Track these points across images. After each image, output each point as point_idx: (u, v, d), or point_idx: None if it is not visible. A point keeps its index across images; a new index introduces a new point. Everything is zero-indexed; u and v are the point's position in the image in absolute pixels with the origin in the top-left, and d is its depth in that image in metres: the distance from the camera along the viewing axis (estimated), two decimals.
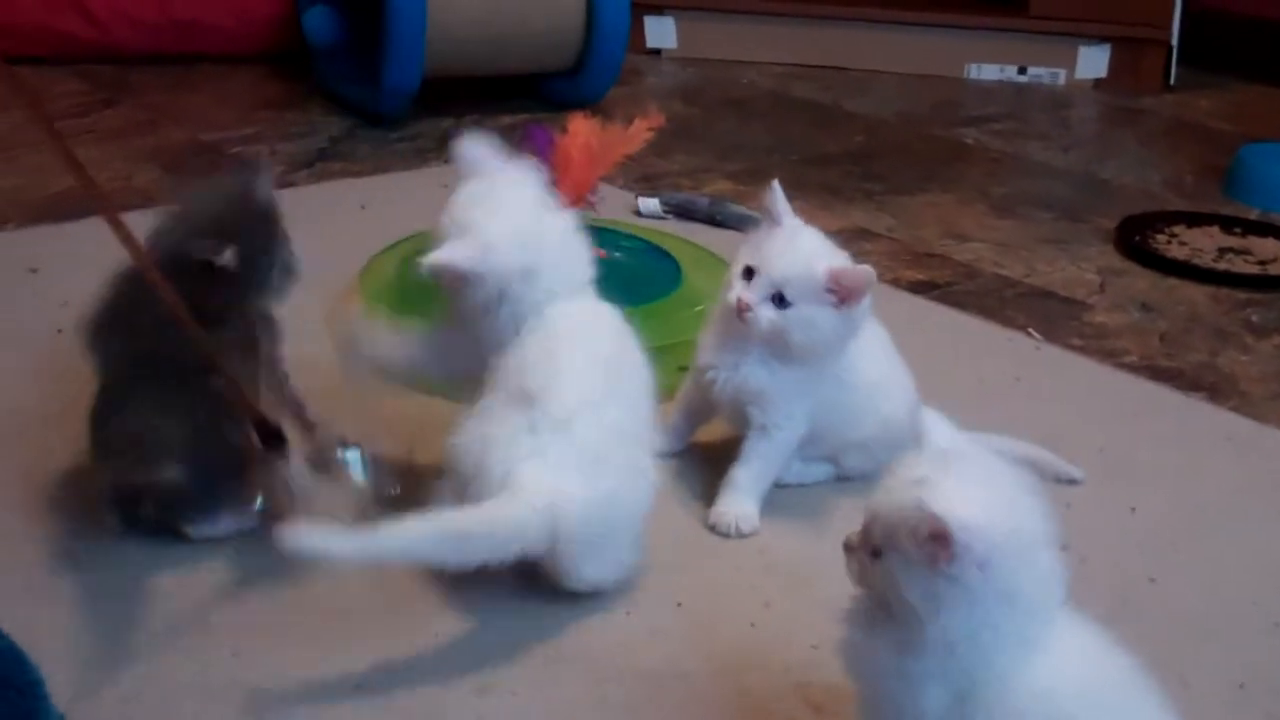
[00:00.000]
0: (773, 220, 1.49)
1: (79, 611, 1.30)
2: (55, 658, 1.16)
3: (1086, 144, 3.23)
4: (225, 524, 1.42)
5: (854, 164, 2.86)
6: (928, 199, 2.67)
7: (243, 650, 1.27)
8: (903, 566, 0.95)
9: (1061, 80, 3.66)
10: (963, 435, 1.57)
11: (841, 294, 1.44)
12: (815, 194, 2.63)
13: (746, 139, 3.01)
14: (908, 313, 2.09)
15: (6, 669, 0.89)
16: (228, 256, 1.36)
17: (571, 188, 1.87)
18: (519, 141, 1.98)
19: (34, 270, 2.06)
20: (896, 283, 2.23)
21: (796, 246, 1.46)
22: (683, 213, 2.42)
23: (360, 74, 2.95)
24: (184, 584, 1.36)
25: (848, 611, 1.04)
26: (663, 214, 2.43)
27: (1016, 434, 1.66)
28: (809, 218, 2.44)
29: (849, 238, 2.41)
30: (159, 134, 2.80)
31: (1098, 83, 3.64)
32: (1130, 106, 3.48)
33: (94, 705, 1.16)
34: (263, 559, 1.34)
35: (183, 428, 1.35)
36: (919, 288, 2.22)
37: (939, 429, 1.05)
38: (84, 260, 2.15)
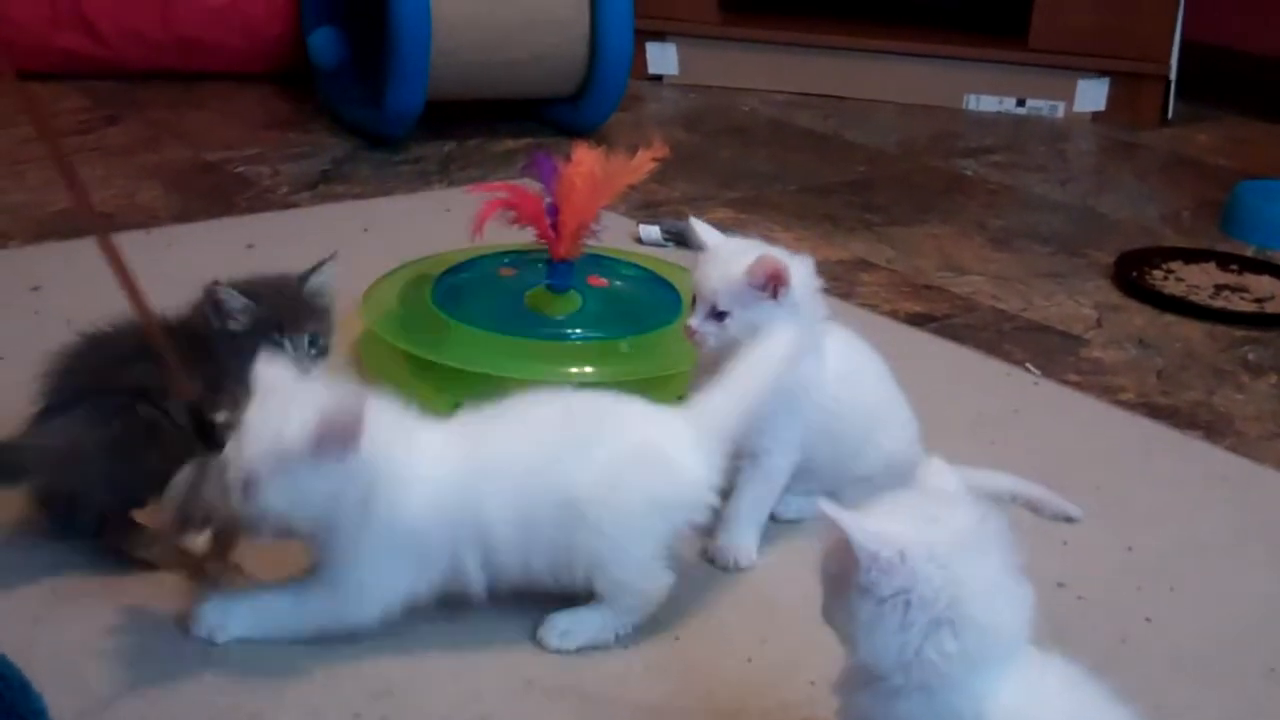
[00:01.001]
0: (699, 247, 1.57)
1: (81, 639, 1.31)
2: (58, 686, 1.16)
3: (1084, 177, 3.25)
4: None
5: (854, 194, 2.88)
6: (927, 230, 2.69)
7: (248, 676, 1.27)
8: (835, 593, 1.00)
9: (1060, 113, 3.68)
10: (960, 472, 1.59)
11: (767, 284, 1.47)
12: (816, 224, 2.64)
13: (748, 167, 3.03)
14: (906, 345, 2.09)
15: (12, 697, 0.89)
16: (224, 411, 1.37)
17: (574, 216, 1.88)
18: (526, 169, 2.00)
19: (36, 288, 2.07)
20: (895, 315, 2.24)
21: (718, 259, 1.51)
22: (683, 241, 2.43)
23: (364, 95, 2.97)
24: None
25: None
26: (663, 242, 2.44)
27: (1014, 470, 1.67)
28: (810, 247, 2.48)
29: (849, 268, 2.42)
30: (163, 151, 2.81)
31: (1096, 116, 3.66)
32: (1128, 140, 3.49)
33: None
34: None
35: (102, 445, 1.38)
36: (917, 320, 2.23)
37: (940, 474, 1.06)
38: (86, 278, 2.15)
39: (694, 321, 1.50)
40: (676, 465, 1.36)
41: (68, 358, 1.46)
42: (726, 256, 1.50)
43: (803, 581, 1.46)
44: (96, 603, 1.36)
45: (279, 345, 1.44)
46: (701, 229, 1.57)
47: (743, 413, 1.39)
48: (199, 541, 1.38)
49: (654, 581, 1.35)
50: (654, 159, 1.89)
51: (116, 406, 1.40)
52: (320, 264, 1.53)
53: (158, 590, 1.38)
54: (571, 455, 1.32)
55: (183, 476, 1.28)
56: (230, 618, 1.31)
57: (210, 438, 1.31)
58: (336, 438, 1.21)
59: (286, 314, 1.45)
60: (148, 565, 1.41)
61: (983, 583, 0.97)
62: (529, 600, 1.35)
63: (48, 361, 1.46)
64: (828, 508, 0.96)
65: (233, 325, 1.44)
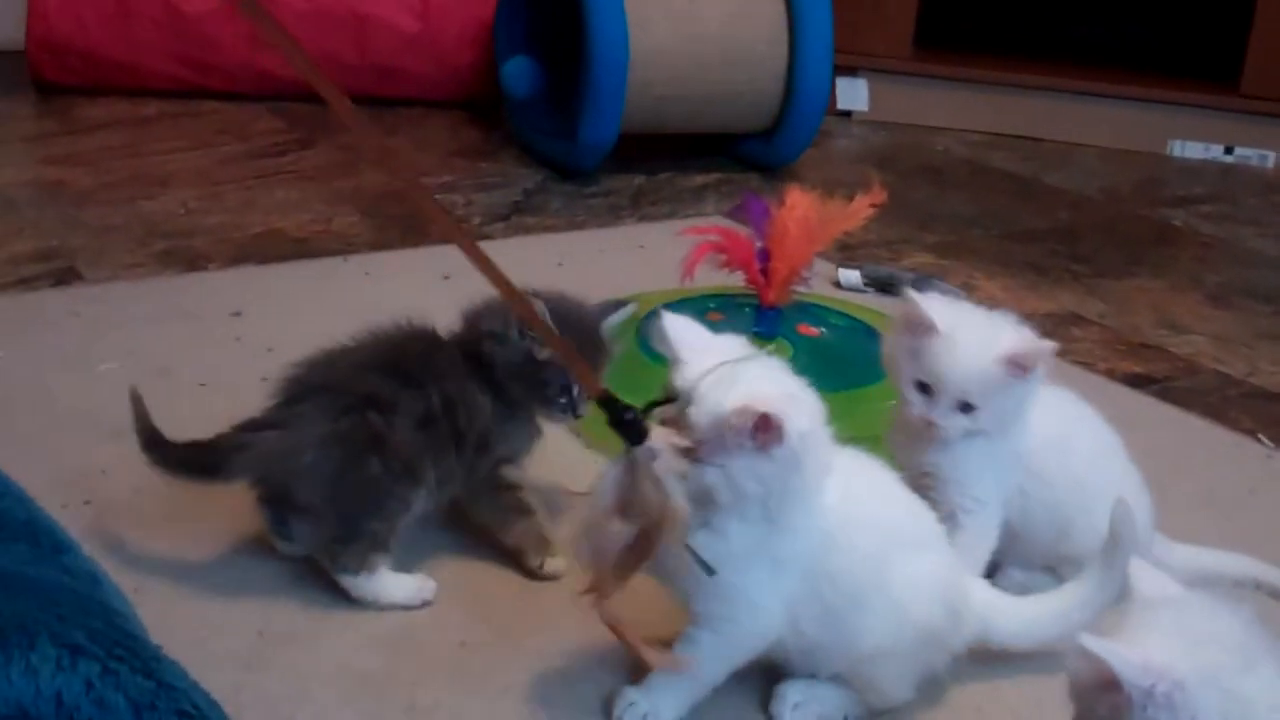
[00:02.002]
0: (927, 328, 1.37)
1: (284, 683, 1.27)
2: None
3: None
4: (384, 585, 1.39)
5: (1059, 242, 2.76)
6: (1138, 284, 2.56)
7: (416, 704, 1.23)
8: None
9: (1270, 163, 3.51)
10: (1198, 553, 1.48)
11: (1023, 371, 1.36)
12: (1020, 272, 2.54)
13: (945, 209, 2.93)
14: (1125, 409, 1.97)
15: None
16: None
17: (786, 262, 1.81)
18: (734, 211, 1.94)
19: (237, 314, 2.06)
20: (1111, 374, 2.13)
21: (960, 344, 1.35)
22: (885, 287, 2.34)
23: (556, 126, 2.94)
24: (396, 674, 1.32)
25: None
26: (863, 287, 2.36)
27: (1254, 553, 1.55)
28: (1015, 297, 2.38)
29: (1058, 322, 2.31)
30: (357, 177, 2.81)
31: None
32: None
33: None
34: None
35: (322, 440, 1.36)
36: (1136, 381, 2.11)
37: (1152, 580, 0.98)
38: (287, 304, 2.18)
39: (936, 415, 1.38)
40: (973, 601, 1.29)
41: (302, 365, 1.44)
42: (972, 342, 1.35)
43: None
44: (301, 651, 1.32)
45: (565, 386, 1.43)
46: (927, 305, 1.37)
47: None
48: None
49: (903, 693, 1.27)
50: (872, 204, 1.82)
51: (344, 407, 1.38)
52: (619, 305, 1.51)
53: (358, 638, 1.34)
54: (902, 555, 1.23)
55: (611, 474, 1.19)
56: (657, 700, 1.23)
57: (630, 431, 1.20)
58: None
59: (585, 350, 1.39)
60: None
61: (1267, 696, 0.88)
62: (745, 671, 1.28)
63: (283, 371, 1.44)
64: (1087, 640, 0.88)
65: (535, 348, 1.42)
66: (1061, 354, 2.14)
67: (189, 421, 1.71)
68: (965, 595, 1.29)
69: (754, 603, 1.19)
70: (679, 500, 1.12)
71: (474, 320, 1.48)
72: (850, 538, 1.20)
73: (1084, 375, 2.11)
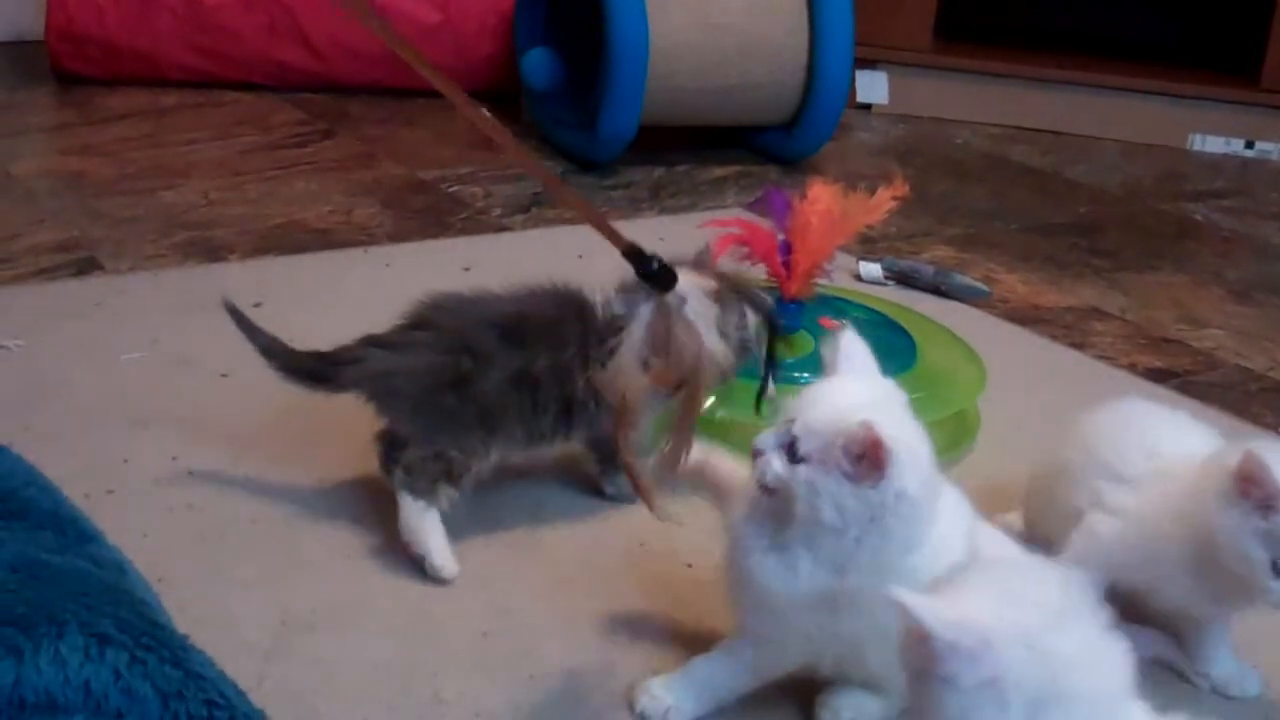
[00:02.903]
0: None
1: (308, 674, 1.27)
2: None
3: None
4: (429, 526, 1.44)
5: (1080, 236, 2.75)
6: (1159, 278, 2.55)
7: (441, 694, 1.23)
8: (919, 688, 0.92)
9: None
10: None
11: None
12: (1041, 266, 2.53)
13: (965, 203, 2.92)
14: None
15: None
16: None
17: (808, 255, 1.80)
18: (755, 204, 1.93)
19: (258, 304, 2.05)
20: (1133, 368, 2.12)
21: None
22: (905, 280, 2.34)
23: (576, 118, 2.94)
24: (418, 664, 1.32)
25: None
26: (884, 280, 2.35)
27: None
28: (1035, 291, 2.38)
29: (1080, 316, 2.31)
30: (377, 168, 2.81)
31: None
32: None
33: None
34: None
35: (414, 371, 1.45)
36: (1158, 375, 2.11)
37: (1000, 544, 1.07)
38: (307, 295, 2.18)
39: None
40: None
41: (437, 298, 1.53)
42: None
43: None
44: (324, 641, 1.32)
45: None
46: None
47: None
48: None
49: None
50: (894, 198, 1.81)
51: (443, 347, 1.46)
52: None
53: (379, 627, 1.35)
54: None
55: (641, 316, 1.21)
56: (680, 696, 1.22)
57: (659, 279, 1.25)
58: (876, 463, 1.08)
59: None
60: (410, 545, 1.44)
61: (1077, 654, 0.90)
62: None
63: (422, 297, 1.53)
64: (900, 594, 0.89)
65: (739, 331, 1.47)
66: (1082, 347, 2.18)
67: (210, 410, 1.73)
68: None
69: (809, 636, 1.17)
70: (714, 343, 1.12)
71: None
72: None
73: (1106, 370, 2.11)
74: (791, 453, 1.11)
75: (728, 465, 1.26)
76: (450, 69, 3.27)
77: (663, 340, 1.18)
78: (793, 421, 1.11)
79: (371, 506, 1.53)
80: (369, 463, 1.54)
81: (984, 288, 2.34)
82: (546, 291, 1.55)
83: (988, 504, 1.50)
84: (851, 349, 1.18)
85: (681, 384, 1.24)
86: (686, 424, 1.22)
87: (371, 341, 1.50)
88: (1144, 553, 1.29)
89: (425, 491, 1.44)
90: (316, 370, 1.50)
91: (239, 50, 3.24)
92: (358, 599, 1.38)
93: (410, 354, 1.47)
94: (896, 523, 1.10)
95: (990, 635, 0.89)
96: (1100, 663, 0.91)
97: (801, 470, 1.10)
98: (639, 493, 1.29)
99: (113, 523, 1.41)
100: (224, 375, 1.82)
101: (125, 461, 1.60)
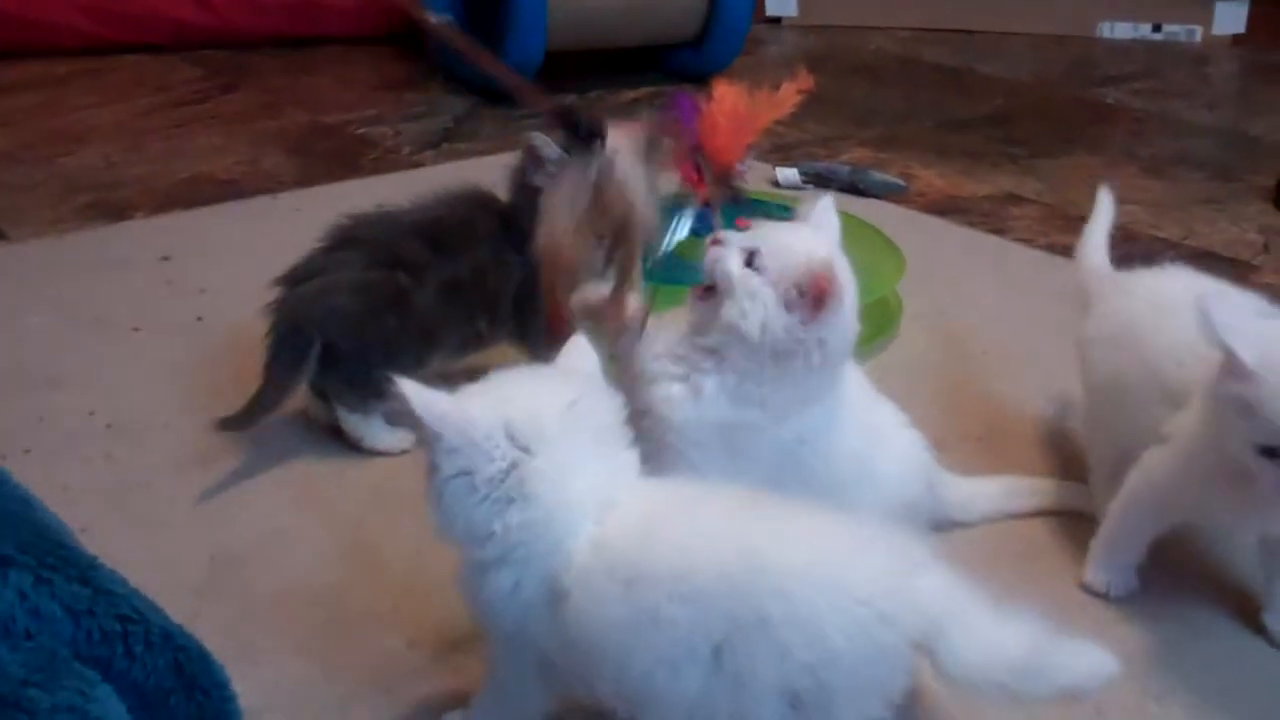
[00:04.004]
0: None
1: (240, 607, 1.25)
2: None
3: (1231, 101, 3.09)
4: (374, 429, 1.47)
5: (994, 128, 2.75)
6: (1073, 161, 2.56)
7: (415, 641, 1.21)
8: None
9: (1198, 37, 3.51)
10: None
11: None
12: (957, 160, 2.53)
13: (880, 105, 2.92)
14: (1067, 281, 1.98)
15: (193, 669, 0.84)
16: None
17: (719, 156, 1.79)
18: (664, 111, 1.91)
19: (166, 258, 2.02)
20: (1052, 248, 2.13)
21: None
22: (823, 182, 2.33)
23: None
24: (352, 586, 1.31)
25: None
26: (802, 184, 2.34)
27: None
28: (953, 183, 2.38)
29: (997, 203, 2.31)
30: (281, 117, 2.76)
31: (1236, 39, 3.48)
32: (1273, 62, 3.32)
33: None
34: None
35: (353, 286, 1.45)
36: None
37: (580, 355, 1.05)
38: (216, 245, 2.14)
39: None
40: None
41: (352, 218, 1.53)
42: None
43: None
44: (254, 573, 1.30)
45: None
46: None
47: None
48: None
49: None
50: (800, 91, 1.79)
51: (377, 261, 1.47)
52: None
53: (310, 555, 1.33)
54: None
55: (569, 175, 1.22)
56: None
57: (588, 138, 1.26)
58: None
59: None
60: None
61: (554, 458, 0.95)
62: None
63: (337, 219, 1.53)
64: (404, 385, 0.93)
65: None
66: (1001, 232, 2.18)
67: (124, 365, 1.70)
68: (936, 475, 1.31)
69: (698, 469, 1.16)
70: (643, 195, 1.18)
71: (515, 178, 1.52)
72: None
73: (1024, 251, 2.11)
74: (749, 260, 1.14)
75: (633, 301, 1.27)
76: (349, 13, 3.24)
77: (593, 196, 1.18)
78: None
79: (296, 442, 1.51)
80: (294, 400, 1.51)
81: (900, 182, 2.33)
82: (452, 195, 1.54)
83: (908, 385, 1.52)
84: (824, 216, 1.22)
85: (617, 241, 1.23)
86: (625, 276, 1.23)
87: (292, 275, 1.49)
88: (1184, 474, 1.19)
89: (359, 406, 1.47)
90: (267, 391, 1.47)
91: (131, 10, 3.16)
92: (288, 531, 1.36)
93: (341, 270, 1.47)
94: (805, 369, 1.13)
95: (470, 428, 0.93)
96: (576, 472, 0.95)
97: (752, 278, 1.12)
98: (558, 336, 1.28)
99: (31, 479, 1.38)
100: (136, 330, 1.79)
101: (40, 420, 1.56)
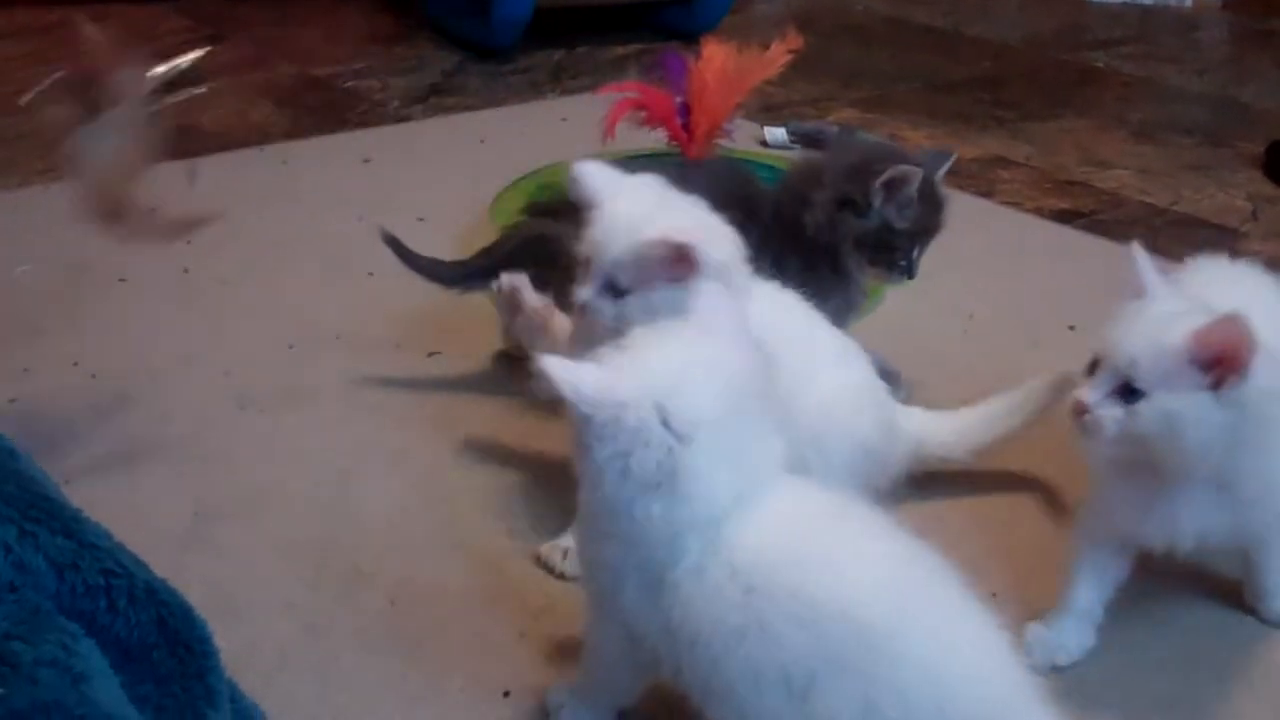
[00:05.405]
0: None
1: (224, 561, 1.26)
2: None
3: (1221, 67, 3.09)
4: None
5: (983, 90, 2.75)
6: (1063, 125, 2.56)
7: (398, 598, 1.22)
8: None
9: (1188, 2, 3.50)
10: None
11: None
12: (946, 122, 2.52)
13: (868, 66, 2.91)
14: (1055, 242, 2.00)
15: (175, 624, 0.84)
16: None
17: (707, 116, 1.79)
18: (652, 69, 1.91)
19: (152, 210, 2.00)
20: (1040, 211, 2.13)
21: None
22: (810, 142, 2.32)
23: (470, 6, 2.88)
24: (337, 541, 1.31)
25: None
26: (790, 144, 2.34)
27: None
28: (941, 146, 2.37)
29: (985, 166, 2.31)
30: (270, 69, 2.75)
31: (1226, 4, 3.48)
32: (1262, 28, 3.32)
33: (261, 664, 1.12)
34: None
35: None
36: (1064, 216, 2.12)
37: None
38: (203, 198, 2.11)
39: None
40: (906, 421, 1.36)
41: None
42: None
43: None
44: (238, 527, 1.31)
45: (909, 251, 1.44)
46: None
47: None
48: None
49: None
50: (790, 50, 1.79)
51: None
52: (944, 155, 1.52)
53: (294, 510, 1.33)
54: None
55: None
56: None
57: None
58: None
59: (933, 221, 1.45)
60: None
61: (708, 447, 0.89)
62: None
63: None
64: (550, 364, 0.87)
65: (895, 217, 1.42)
66: (989, 195, 2.18)
67: (110, 315, 1.70)
68: (894, 412, 1.30)
69: None
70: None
71: (797, 184, 1.47)
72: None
73: (1013, 214, 2.12)
74: (613, 287, 1.13)
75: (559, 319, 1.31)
76: None
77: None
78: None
79: (284, 394, 1.52)
80: (280, 354, 1.51)
81: (888, 144, 2.33)
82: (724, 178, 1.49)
83: (893, 348, 1.52)
84: (591, 174, 1.18)
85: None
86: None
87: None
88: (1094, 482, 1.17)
89: None
90: (485, 268, 1.50)
91: None
92: (272, 484, 1.37)
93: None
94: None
95: (625, 406, 0.87)
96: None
97: (629, 300, 1.13)
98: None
99: (18, 431, 1.38)
100: (122, 280, 1.79)
101: (25, 370, 1.57)
